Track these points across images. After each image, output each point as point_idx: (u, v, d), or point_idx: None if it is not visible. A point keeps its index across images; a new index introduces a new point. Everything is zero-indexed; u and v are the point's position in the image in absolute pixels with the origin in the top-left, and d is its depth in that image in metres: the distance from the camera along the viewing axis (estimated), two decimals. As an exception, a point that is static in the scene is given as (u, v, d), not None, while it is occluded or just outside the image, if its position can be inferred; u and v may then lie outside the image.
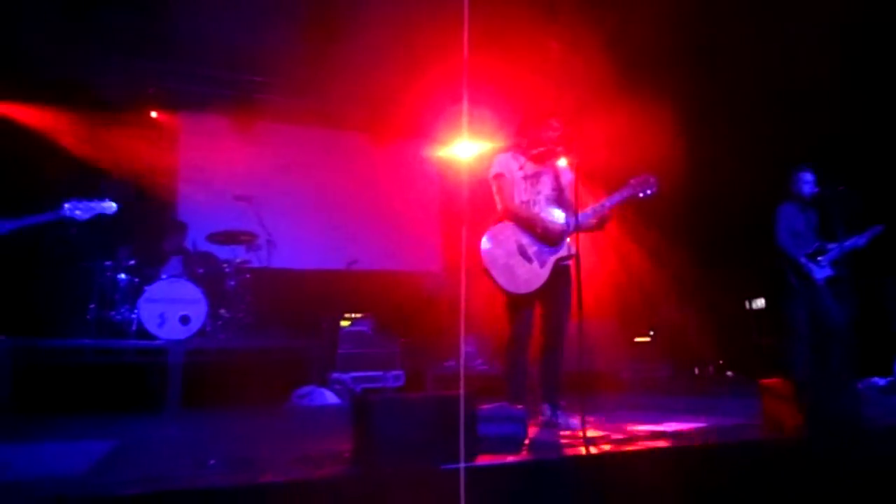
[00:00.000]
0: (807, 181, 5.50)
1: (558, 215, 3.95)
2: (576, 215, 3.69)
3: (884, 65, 6.33)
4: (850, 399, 3.59)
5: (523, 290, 3.84)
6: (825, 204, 5.47)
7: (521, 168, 4.04)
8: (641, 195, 3.94)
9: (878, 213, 5.57)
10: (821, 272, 5.38)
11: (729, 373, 7.81)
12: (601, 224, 3.98)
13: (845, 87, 6.51)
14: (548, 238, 3.90)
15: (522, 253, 3.88)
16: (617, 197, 3.95)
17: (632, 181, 3.96)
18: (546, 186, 4.04)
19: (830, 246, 5.40)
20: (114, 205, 4.67)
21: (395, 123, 8.54)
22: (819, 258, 5.40)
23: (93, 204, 4.60)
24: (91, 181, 6.65)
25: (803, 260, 5.38)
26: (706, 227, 7.70)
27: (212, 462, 2.66)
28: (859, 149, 6.50)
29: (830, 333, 5.30)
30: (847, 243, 5.33)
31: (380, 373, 6.46)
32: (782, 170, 5.74)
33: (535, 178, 4.04)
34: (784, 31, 6.35)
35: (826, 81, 6.44)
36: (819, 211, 5.58)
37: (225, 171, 7.41)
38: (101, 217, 4.66)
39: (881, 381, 5.35)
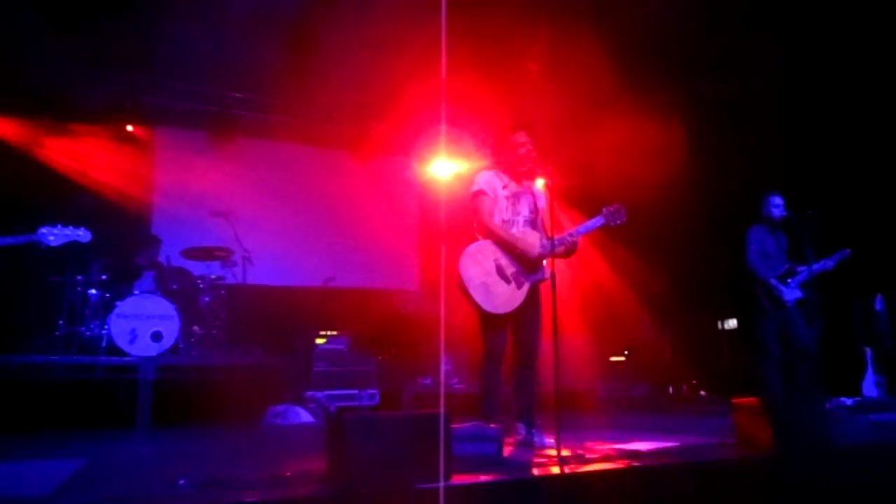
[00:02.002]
0: (776, 205, 5.63)
1: (535, 238, 3.97)
2: (550, 239, 3.72)
3: (856, 90, 6.52)
4: (819, 418, 3.65)
5: (500, 310, 3.86)
6: (794, 227, 5.59)
7: (504, 187, 4.07)
8: (612, 224, 4.00)
9: (844, 236, 5.71)
10: (790, 294, 5.49)
11: (702, 392, 7.89)
12: (570, 251, 4.01)
13: (815, 113, 6.71)
14: (526, 260, 3.92)
15: (501, 273, 3.89)
16: (591, 224, 4.00)
17: (604, 210, 4.02)
18: (525, 208, 4.07)
19: (800, 268, 5.52)
20: (88, 233, 4.61)
21: (375, 141, 8.57)
22: (789, 280, 5.51)
23: (67, 231, 4.55)
24: (64, 195, 6.58)
25: (773, 282, 5.49)
26: (679, 249, 7.81)
27: (182, 482, 2.61)
28: (826, 173, 6.67)
29: (800, 353, 5.40)
30: (816, 266, 5.45)
31: (355, 391, 6.41)
32: (753, 193, 5.86)
33: (515, 198, 4.07)
34: (752, 59, 6.52)
35: (796, 107, 6.63)
36: (788, 234, 5.70)
37: (201, 186, 7.36)
38: (74, 243, 4.59)
39: (849, 401, 5.44)
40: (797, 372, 5.41)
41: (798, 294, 5.50)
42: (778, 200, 5.64)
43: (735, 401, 3.65)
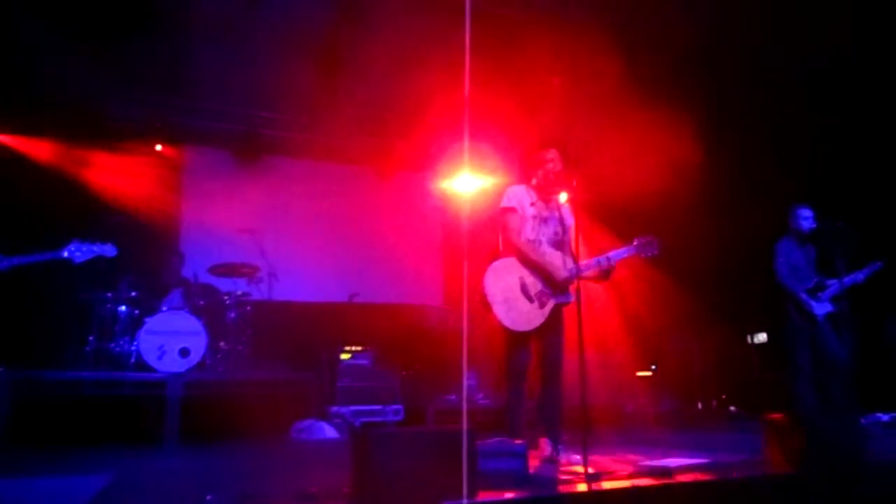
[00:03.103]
0: (805, 217, 5.55)
1: (560, 261, 3.95)
2: (576, 261, 3.71)
3: (883, 103, 6.42)
4: (853, 434, 3.56)
5: (521, 327, 3.85)
6: (824, 239, 5.50)
7: (532, 205, 4.06)
8: (643, 255, 3.98)
9: (875, 248, 5.60)
10: (821, 308, 5.39)
11: (732, 408, 7.75)
12: (604, 277, 4.00)
13: (846, 124, 6.61)
14: (553, 281, 3.91)
15: (525, 291, 3.89)
16: (618, 254, 3.98)
17: (636, 241, 4.00)
18: (550, 229, 4.06)
19: (830, 282, 5.42)
20: (114, 248, 4.69)
21: (398, 157, 8.63)
22: (819, 294, 5.41)
23: (94, 247, 4.63)
24: (94, 213, 6.71)
25: (804, 296, 5.40)
26: (709, 263, 7.71)
27: (209, 498, 2.63)
28: (857, 185, 6.55)
29: (832, 369, 5.29)
30: (846, 279, 5.34)
31: (380, 406, 6.41)
32: (782, 206, 5.78)
33: (543, 219, 4.06)
34: (782, 71, 6.45)
35: (826, 119, 6.54)
36: (817, 246, 5.61)
37: (228, 203, 7.46)
38: (100, 258, 4.67)
39: (885, 417, 5.31)
40: (829, 387, 5.30)
41: (829, 308, 5.40)
42: (807, 213, 5.56)
43: (765, 417, 3.58)
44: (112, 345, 5.98)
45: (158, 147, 7.68)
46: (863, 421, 4.54)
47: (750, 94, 7.00)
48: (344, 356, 6.65)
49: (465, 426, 2.63)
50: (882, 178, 6.55)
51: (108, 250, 4.68)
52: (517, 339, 3.90)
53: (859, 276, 5.43)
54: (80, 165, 7.07)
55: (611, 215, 6.95)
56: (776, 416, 3.52)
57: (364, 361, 6.67)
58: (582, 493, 2.88)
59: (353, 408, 6.24)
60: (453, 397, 6.76)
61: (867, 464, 3.47)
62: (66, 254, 4.55)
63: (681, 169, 6.58)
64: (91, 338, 6.00)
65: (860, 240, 5.32)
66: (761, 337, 7.92)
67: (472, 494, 2.53)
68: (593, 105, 6.57)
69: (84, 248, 4.58)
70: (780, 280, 5.47)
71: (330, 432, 5.73)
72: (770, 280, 5.57)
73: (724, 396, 7.88)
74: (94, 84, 6.37)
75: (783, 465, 3.37)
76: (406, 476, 2.51)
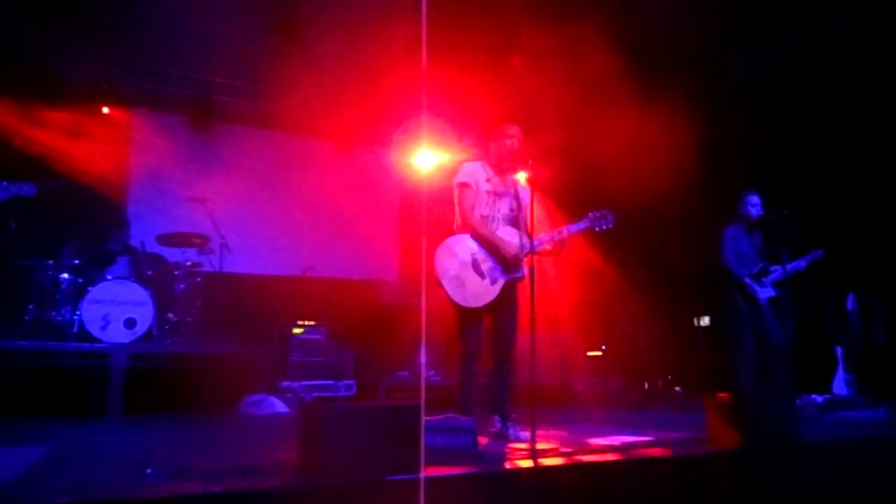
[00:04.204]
0: (754, 203, 5.69)
1: (514, 236, 3.95)
2: (530, 237, 3.71)
3: (833, 92, 6.59)
4: (789, 414, 3.70)
5: (472, 304, 3.85)
6: (770, 226, 5.66)
7: (487, 180, 4.04)
8: (597, 229, 3.99)
9: (818, 235, 5.79)
10: (764, 292, 5.56)
11: (677, 388, 7.97)
12: (557, 251, 4.01)
13: (792, 113, 6.77)
14: (503, 257, 3.90)
15: (476, 268, 3.88)
16: (574, 227, 3.98)
17: (590, 214, 4.00)
18: (505, 205, 4.05)
19: (773, 268, 5.59)
20: (32, 187, 4.43)
21: (356, 131, 8.49)
22: (762, 279, 5.58)
23: (12, 186, 4.36)
24: (37, 175, 6.42)
25: (748, 280, 5.56)
26: (657, 245, 7.86)
27: (149, 471, 2.56)
28: (801, 173, 6.75)
29: (772, 351, 5.48)
30: (789, 266, 5.52)
31: (331, 382, 6.38)
32: (729, 192, 5.91)
33: (497, 195, 4.05)
34: (731, 59, 6.57)
35: (774, 106, 6.69)
36: (764, 233, 5.77)
37: (179, 171, 7.25)
38: (19, 199, 4.41)
39: (819, 399, 5.53)
40: (769, 369, 5.49)
41: (771, 293, 5.58)
42: (755, 199, 5.70)
43: (708, 397, 3.68)
44: (53, 314, 5.77)
45: (105, 110, 7.37)
46: (798, 402, 4.71)
47: (703, 81, 7.10)
48: (296, 331, 6.58)
49: (422, 400, 2.63)
50: (827, 167, 6.75)
51: (27, 189, 4.41)
52: (468, 316, 3.90)
53: (801, 264, 5.61)
54: (20, 126, 6.73)
55: (566, 194, 7.00)
56: (719, 396, 3.63)
57: (317, 336, 6.62)
58: (529, 469, 2.92)
59: (304, 382, 6.20)
60: (406, 374, 6.77)
61: (802, 443, 3.62)
62: None
63: (631, 152, 6.67)
64: (31, 306, 5.77)
65: (804, 228, 5.49)
66: (706, 320, 8.15)
67: (420, 469, 2.53)
68: (553, 83, 6.57)
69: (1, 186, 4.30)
70: (726, 265, 5.62)
71: (280, 407, 5.68)
72: (716, 264, 5.71)
73: (669, 377, 8.10)
74: (35, 41, 6.06)
75: (725, 443, 3.48)
76: (353, 450, 2.50)
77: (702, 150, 7.09)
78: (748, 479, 3.28)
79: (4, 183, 4.31)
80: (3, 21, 5.60)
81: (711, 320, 8.00)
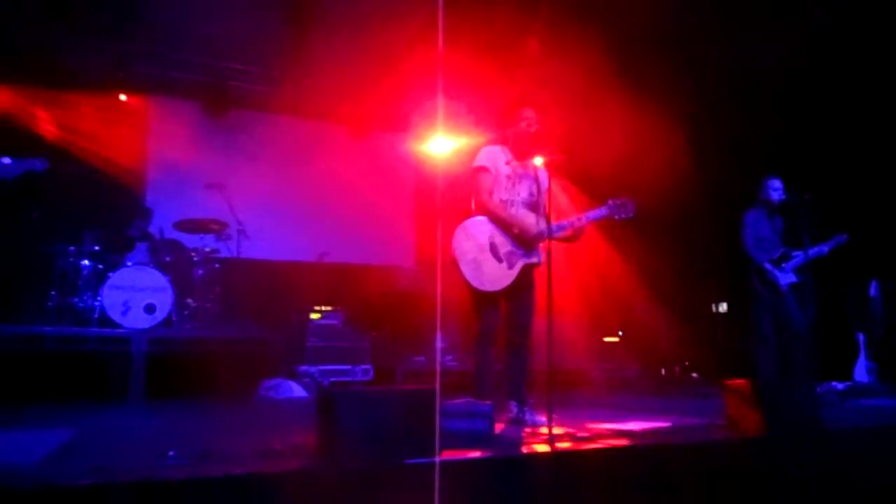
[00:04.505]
0: (775, 188, 5.61)
1: (533, 220, 3.92)
2: (549, 222, 3.69)
3: (854, 76, 6.46)
4: (809, 401, 3.66)
5: (488, 287, 3.84)
6: (791, 211, 5.58)
7: (507, 164, 4.02)
8: (617, 217, 3.95)
9: (841, 221, 5.70)
10: (785, 278, 5.49)
11: (694, 374, 7.92)
12: (576, 237, 3.98)
13: (815, 97, 6.65)
14: (522, 241, 3.89)
15: (493, 251, 3.86)
16: (593, 215, 3.93)
17: (610, 202, 3.94)
18: (525, 189, 4.03)
19: (795, 253, 5.52)
20: (44, 162, 4.43)
21: (372, 116, 8.48)
22: (783, 264, 5.51)
23: (25, 162, 4.36)
24: (56, 163, 6.49)
25: (768, 266, 5.49)
26: (676, 230, 7.79)
27: (171, 453, 2.60)
28: (824, 158, 6.63)
29: (793, 337, 5.42)
30: (811, 251, 5.44)
31: (349, 366, 6.42)
32: (750, 177, 5.83)
33: (517, 178, 4.02)
34: (753, 41, 6.44)
35: (795, 89, 6.57)
36: (785, 218, 5.69)
37: (196, 157, 7.29)
38: (31, 174, 4.42)
39: (840, 386, 5.47)
40: (790, 355, 5.43)
41: (792, 278, 5.51)
42: (777, 184, 5.62)
43: (726, 383, 3.65)
44: (75, 300, 5.85)
45: (123, 97, 7.41)
46: (819, 389, 4.67)
47: (721, 64, 6.98)
48: (314, 316, 6.62)
49: (437, 385, 2.63)
50: (850, 152, 6.63)
51: (38, 164, 4.41)
52: (485, 300, 3.89)
53: (824, 249, 5.53)
54: (39, 115, 6.80)
55: (585, 179, 6.94)
56: (736, 382, 3.60)
57: (334, 321, 6.65)
58: (545, 454, 2.92)
59: (321, 367, 6.24)
60: (422, 359, 6.79)
61: (822, 430, 3.58)
62: None
63: (650, 137, 6.60)
64: (53, 292, 5.85)
65: (826, 212, 5.41)
66: (724, 306, 8.08)
67: (437, 453, 2.54)
68: (570, 69, 6.50)
69: (10, 163, 4.31)
70: (746, 250, 5.55)
71: (298, 391, 5.72)
72: (736, 249, 5.64)
73: (687, 363, 8.05)
74: (51, 29, 6.09)
75: (744, 430, 3.45)
76: (371, 434, 2.51)
77: (721, 134, 7.00)
78: (768, 465, 3.26)
79: (13, 161, 4.31)
80: (18, 11, 5.63)
81: (730, 306, 7.93)
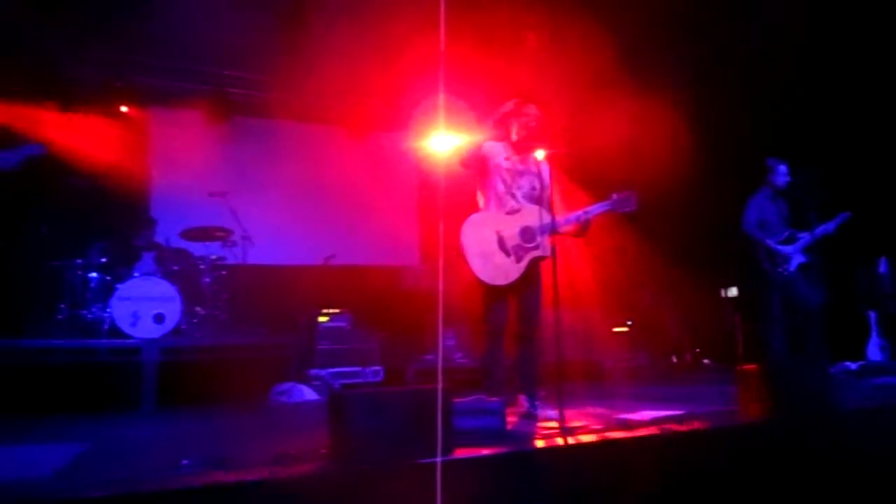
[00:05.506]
0: (781, 172, 5.59)
1: (538, 213, 3.93)
2: (553, 215, 3.69)
3: (856, 52, 6.41)
4: (823, 381, 3.64)
5: (496, 281, 3.84)
6: (796, 192, 5.56)
7: (507, 159, 4.04)
8: (619, 211, 3.97)
9: (847, 199, 5.66)
10: (794, 258, 5.47)
11: (706, 360, 7.90)
12: (581, 232, 4.00)
13: (815, 76, 6.60)
14: (529, 234, 3.89)
15: (502, 245, 3.87)
16: (596, 209, 3.97)
17: (614, 196, 3.97)
18: (527, 183, 4.04)
19: (800, 234, 5.49)
20: (41, 146, 4.43)
21: (372, 117, 8.48)
22: (790, 245, 5.48)
23: (23, 149, 4.35)
24: (59, 177, 6.53)
25: (778, 246, 5.46)
26: (681, 216, 7.76)
27: (185, 462, 2.61)
28: (827, 137, 6.59)
29: (805, 318, 5.39)
30: (818, 230, 5.43)
31: (359, 368, 6.42)
32: (754, 160, 5.80)
33: (517, 173, 4.03)
34: (754, 22, 6.40)
35: (796, 69, 6.52)
36: (790, 200, 5.66)
37: (198, 166, 7.29)
38: (31, 159, 4.41)
39: (853, 366, 5.45)
40: (802, 336, 5.41)
41: (802, 258, 5.48)
42: (783, 168, 5.60)
43: (738, 368, 3.64)
44: (84, 312, 5.88)
45: (123, 108, 7.44)
46: (832, 369, 4.65)
47: (721, 46, 6.94)
48: (322, 319, 6.63)
49: (440, 384, 2.62)
50: (852, 130, 6.58)
51: (35, 149, 4.40)
52: (494, 294, 3.90)
53: (830, 227, 5.51)
54: (41, 129, 6.82)
55: (587, 173, 6.92)
56: (748, 366, 3.58)
57: (342, 324, 6.66)
58: (558, 447, 2.91)
59: (332, 370, 6.25)
60: (432, 357, 6.79)
61: (836, 410, 3.56)
62: None
63: (653, 124, 6.57)
64: (63, 305, 5.89)
65: (830, 190, 5.38)
66: (733, 290, 8.04)
67: (448, 452, 2.54)
68: (571, 62, 6.47)
69: (9, 153, 4.29)
70: (749, 232, 5.52)
71: (310, 394, 5.73)
72: (740, 233, 5.62)
73: (698, 350, 8.02)
74: (48, 43, 6.12)
75: (757, 415, 3.44)
76: (383, 435, 2.52)
77: (723, 115, 6.96)
78: (783, 449, 3.24)
79: (10, 151, 4.30)
80: (15, 24, 5.65)
81: (739, 290, 7.89)
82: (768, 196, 5.64)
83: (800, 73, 6.54)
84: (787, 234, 5.53)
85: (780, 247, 5.46)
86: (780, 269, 5.45)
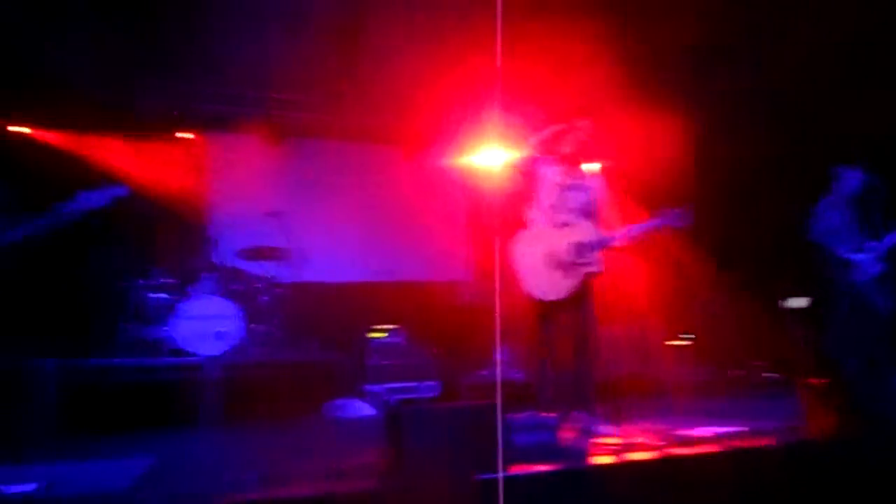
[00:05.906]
0: (850, 179, 5.39)
1: (590, 229, 3.90)
2: (605, 231, 3.67)
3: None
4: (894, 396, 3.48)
5: (548, 296, 3.82)
6: (866, 200, 5.35)
7: (557, 173, 4.03)
8: (674, 226, 3.91)
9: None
10: (868, 268, 5.25)
11: (767, 374, 7.62)
12: (633, 245, 3.96)
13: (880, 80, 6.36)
14: (580, 250, 3.86)
15: (552, 260, 3.85)
16: (650, 224, 3.92)
17: (669, 212, 3.92)
18: (577, 199, 4.01)
19: (870, 244, 5.28)
20: (125, 188, 4.60)
21: (423, 134, 8.56)
22: (861, 256, 5.28)
23: (107, 192, 4.51)
24: (121, 202, 6.79)
25: (851, 256, 5.26)
26: (739, 228, 7.57)
27: (247, 477, 2.67)
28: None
29: (878, 331, 5.17)
30: (888, 239, 5.21)
31: (415, 383, 6.44)
32: (822, 168, 5.61)
33: (567, 187, 4.01)
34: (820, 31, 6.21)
35: (857, 78, 6.29)
36: (859, 209, 5.45)
37: (254, 187, 7.50)
38: (116, 200, 4.57)
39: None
40: (874, 351, 5.17)
41: (874, 268, 5.26)
42: (852, 175, 5.40)
43: (804, 382, 3.51)
44: (148, 331, 6.09)
45: (181, 135, 7.74)
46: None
47: (787, 53, 6.75)
48: (377, 335, 6.69)
49: (499, 400, 2.62)
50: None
51: (121, 190, 4.57)
52: (545, 310, 3.87)
53: (898, 236, 5.27)
54: (101, 157, 7.16)
55: (641, 186, 6.82)
56: (815, 381, 3.45)
57: (397, 339, 6.71)
58: (613, 465, 2.86)
59: (388, 385, 6.29)
60: (487, 372, 6.77)
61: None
62: (81, 202, 4.30)
63: (712, 137, 6.44)
64: (125, 326, 6.12)
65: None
66: (797, 302, 7.77)
67: (504, 468, 2.53)
68: (626, 75, 6.41)
69: (94, 195, 4.45)
70: (818, 241, 5.33)
71: (365, 409, 5.78)
72: (809, 243, 5.43)
73: (759, 363, 7.75)
74: (110, 72, 6.42)
75: (823, 431, 3.30)
76: (438, 451, 2.52)
77: (793, 122, 6.75)
78: (852, 468, 3.10)
79: (98, 191, 4.47)
80: (75, 58, 5.93)
81: (805, 301, 7.61)
82: (836, 204, 5.44)
83: (867, 76, 6.31)
84: (856, 242, 5.32)
85: (851, 255, 5.26)
86: (852, 279, 5.24)
